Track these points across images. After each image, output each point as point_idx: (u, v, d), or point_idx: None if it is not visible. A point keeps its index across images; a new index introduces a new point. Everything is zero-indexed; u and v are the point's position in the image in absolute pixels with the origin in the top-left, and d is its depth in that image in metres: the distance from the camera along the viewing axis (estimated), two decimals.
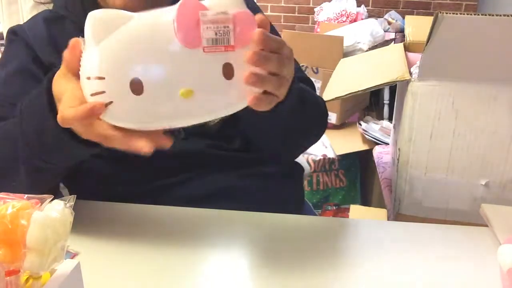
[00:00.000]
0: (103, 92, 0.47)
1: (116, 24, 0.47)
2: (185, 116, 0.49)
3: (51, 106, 0.54)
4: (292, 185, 0.86)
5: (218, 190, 0.76)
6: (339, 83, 1.34)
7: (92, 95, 0.48)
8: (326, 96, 1.22)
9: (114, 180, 0.75)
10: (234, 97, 0.50)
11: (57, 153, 0.59)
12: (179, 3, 0.46)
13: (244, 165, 0.77)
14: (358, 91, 1.14)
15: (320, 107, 0.79)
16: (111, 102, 0.47)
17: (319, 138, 0.83)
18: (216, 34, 0.46)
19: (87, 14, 0.71)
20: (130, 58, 0.47)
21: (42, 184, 0.64)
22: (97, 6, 0.70)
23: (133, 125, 0.49)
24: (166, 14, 0.47)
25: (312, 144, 0.85)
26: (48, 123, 0.54)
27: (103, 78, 0.47)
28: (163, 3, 0.70)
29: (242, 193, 0.76)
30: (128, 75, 0.46)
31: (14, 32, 0.75)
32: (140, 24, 0.47)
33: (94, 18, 0.47)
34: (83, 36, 0.49)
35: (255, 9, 0.83)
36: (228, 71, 0.47)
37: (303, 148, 0.88)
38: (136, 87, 0.46)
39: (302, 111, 0.68)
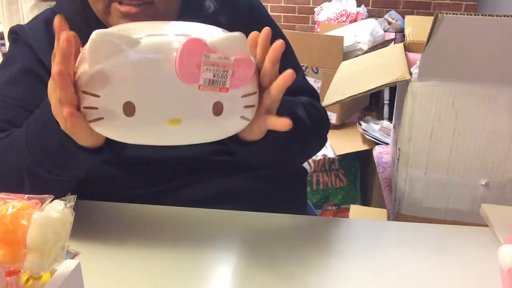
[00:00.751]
0: (96, 108, 0.48)
1: (121, 48, 0.47)
2: (170, 140, 0.52)
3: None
4: (296, 188, 0.86)
5: (222, 192, 0.76)
6: (340, 86, 1.33)
7: (85, 108, 0.49)
8: (328, 100, 1.22)
9: (118, 184, 0.75)
10: (220, 131, 0.53)
11: (60, 160, 0.58)
12: (185, 39, 0.47)
13: (248, 169, 0.77)
14: (359, 93, 1.14)
15: (319, 123, 0.78)
16: (101, 118, 0.49)
17: (321, 148, 0.83)
18: (214, 76, 0.48)
19: (89, 20, 0.70)
20: (128, 83, 0.48)
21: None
22: (99, 20, 0.68)
23: (120, 140, 0.51)
24: (171, 45, 0.47)
25: (315, 154, 0.86)
26: (51, 127, 0.53)
27: (98, 96, 0.48)
28: (168, 17, 0.69)
29: (246, 195, 0.76)
30: (122, 98, 0.48)
31: (15, 32, 0.74)
32: (143, 53, 0.47)
33: (100, 38, 0.48)
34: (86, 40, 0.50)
35: (267, 21, 0.82)
36: (217, 109, 0.50)
37: (304, 161, 0.89)
38: (128, 109, 0.48)
39: (296, 132, 0.68)
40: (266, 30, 0.53)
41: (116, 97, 0.48)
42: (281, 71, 0.80)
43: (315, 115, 0.75)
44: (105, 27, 0.68)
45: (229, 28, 0.67)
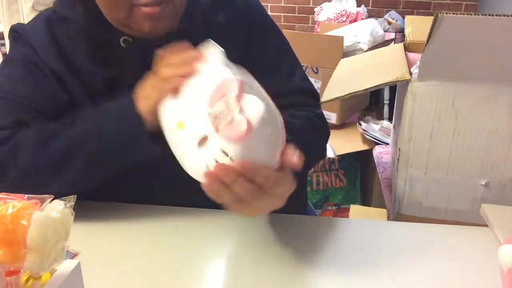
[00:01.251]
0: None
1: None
2: (172, 143, 0.58)
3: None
4: (296, 189, 0.86)
5: None
6: (339, 83, 1.33)
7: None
8: (326, 96, 1.22)
9: (120, 187, 0.75)
10: (195, 165, 0.55)
11: (127, 144, 0.64)
12: (234, 77, 0.52)
13: None
14: (358, 91, 1.14)
15: (321, 145, 0.79)
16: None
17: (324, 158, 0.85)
18: (219, 113, 0.51)
19: (92, 20, 0.70)
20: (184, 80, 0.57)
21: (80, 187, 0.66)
22: (102, 22, 0.69)
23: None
24: (229, 77, 0.54)
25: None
26: (132, 112, 0.61)
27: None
28: (180, 9, 0.70)
29: None
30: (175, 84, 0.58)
31: (16, 31, 0.74)
32: (213, 67, 0.57)
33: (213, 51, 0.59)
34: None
35: (266, 21, 0.82)
36: (202, 140, 0.53)
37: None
38: (174, 92, 0.58)
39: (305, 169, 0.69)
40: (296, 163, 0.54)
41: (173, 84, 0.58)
42: (277, 70, 0.80)
43: (317, 141, 0.76)
44: (107, 28, 0.68)
45: (228, 28, 0.67)
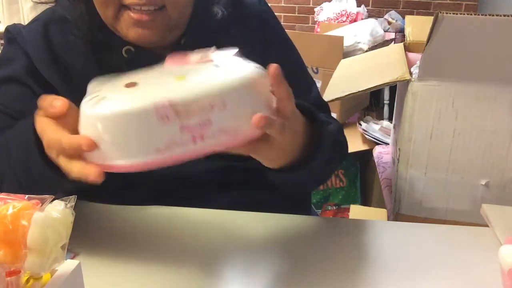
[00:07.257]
0: None
1: None
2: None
3: (37, 140, 0.51)
4: (302, 196, 0.86)
5: (230, 206, 0.74)
6: (339, 84, 1.34)
7: None
8: (327, 97, 1.22)
9: (130, 200, 0.74)
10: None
11: (43, 185, 0.55)
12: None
13: (258, 184, 0.75)
14: (358, 91, 1.14)
15: (342, 148, 0.79)
16: None
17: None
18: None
19: (92, 26, 0.68)
20: None
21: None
22: (104, 26, 0.66)
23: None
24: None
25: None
26: (34, 157, 0.53)
27: None
28: (179, 23, 0.67)
29: (254, 204, 0.75)
30: None
31: (10, 32, 0.71)
32: None
33: None
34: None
35: (282, 39, 0.81)
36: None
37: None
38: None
39: (330, 161, 0.69)
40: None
41: None
42: (296, 87, 0.79)
43: (339, 136, 0.76)
44: (109, 33, 0.67)
45: (242, 41, 0.67)
